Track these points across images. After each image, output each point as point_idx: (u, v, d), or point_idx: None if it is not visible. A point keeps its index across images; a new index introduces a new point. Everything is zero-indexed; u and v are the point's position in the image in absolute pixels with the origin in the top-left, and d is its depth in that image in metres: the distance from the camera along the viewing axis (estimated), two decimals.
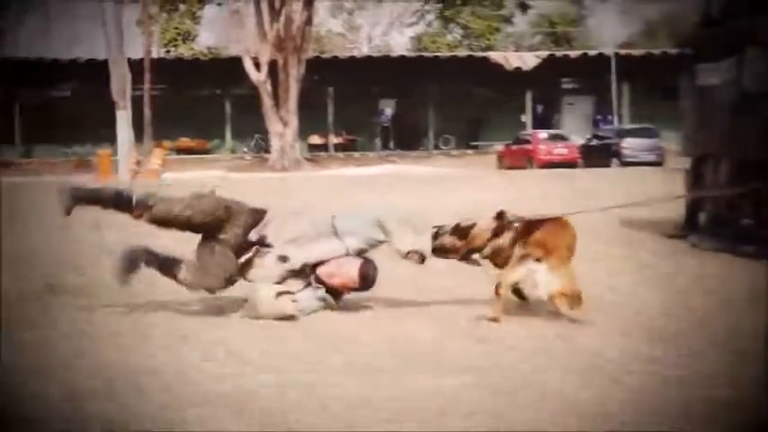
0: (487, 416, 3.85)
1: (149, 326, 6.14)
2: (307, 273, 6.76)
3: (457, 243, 7.06)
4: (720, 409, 3.90)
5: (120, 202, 6.94)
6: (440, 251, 7.06)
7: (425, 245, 6.87)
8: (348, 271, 6.76)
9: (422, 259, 6.89)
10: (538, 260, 6.55)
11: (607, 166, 41.83)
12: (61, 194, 6.96)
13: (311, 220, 7.04)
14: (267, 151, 48.20)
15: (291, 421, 3.80)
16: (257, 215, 6.91)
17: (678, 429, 3.64)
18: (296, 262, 6.70)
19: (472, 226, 7.09)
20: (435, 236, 7.05)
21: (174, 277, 6.74)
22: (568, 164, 43.78)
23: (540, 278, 6.50)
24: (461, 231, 7.08)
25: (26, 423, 3.88)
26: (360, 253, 6.86)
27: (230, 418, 3.91)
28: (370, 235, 6.86)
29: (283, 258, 6.69)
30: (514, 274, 6.68)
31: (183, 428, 3.75)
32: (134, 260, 6.65)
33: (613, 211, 10.19)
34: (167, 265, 6.76)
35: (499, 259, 6.99)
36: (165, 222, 6.83)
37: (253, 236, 6.76)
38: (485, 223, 7.08)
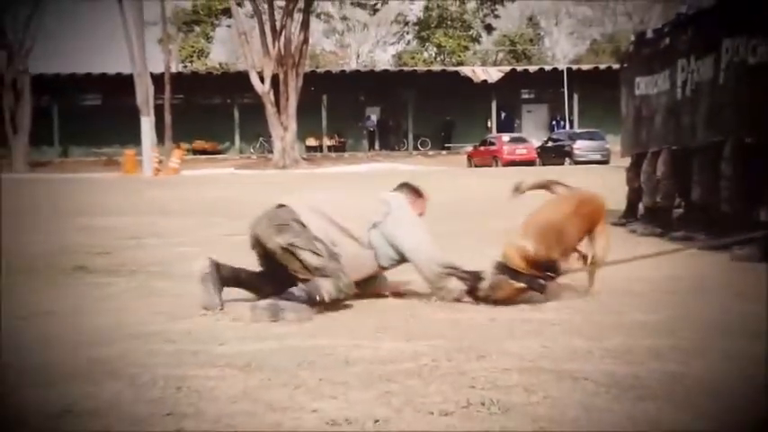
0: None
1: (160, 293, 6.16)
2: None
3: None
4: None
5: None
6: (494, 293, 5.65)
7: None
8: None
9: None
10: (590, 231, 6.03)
11: (561, 164, 42.07)
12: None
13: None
14: (270, 151, 48.24)
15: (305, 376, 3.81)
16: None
17: None
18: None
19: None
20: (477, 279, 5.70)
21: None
22: (528, 162, 44.05)
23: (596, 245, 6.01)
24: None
25: (55, 365, 3.90)
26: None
27: (233, 377, 3.91)
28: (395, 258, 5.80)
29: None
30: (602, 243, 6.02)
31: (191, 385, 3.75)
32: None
33: None
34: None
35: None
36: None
37: None
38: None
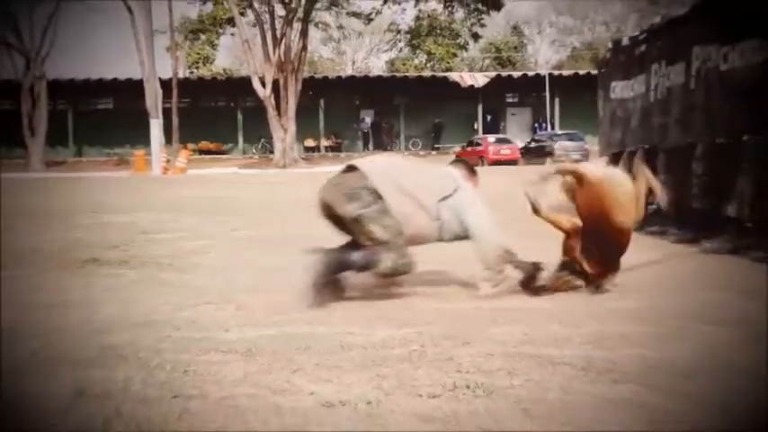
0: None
1: (164, 284, 6.16)
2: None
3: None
4: None
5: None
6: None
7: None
8: None
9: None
10: None
11: (543, 163, 41.95)
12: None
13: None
14: (271, 152, 48.11)
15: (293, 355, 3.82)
16: None
17: None
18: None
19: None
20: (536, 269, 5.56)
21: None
22: (512, 162, 44.06)
23: None
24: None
25: (69, 351, 3.90)
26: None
27: (236, 361, 3.92)
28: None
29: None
30: None
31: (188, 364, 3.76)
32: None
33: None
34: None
35: None
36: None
37: None
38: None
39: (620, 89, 12.13)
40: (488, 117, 58.47)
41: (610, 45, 13.57)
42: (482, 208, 5.58)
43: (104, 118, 54.07)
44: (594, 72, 15.18)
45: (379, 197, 5.36)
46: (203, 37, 67.96)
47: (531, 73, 59.46)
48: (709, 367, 3.74)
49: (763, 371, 3.66)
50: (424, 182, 5.58)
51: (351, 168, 5.60)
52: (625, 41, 12.64)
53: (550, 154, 43.50)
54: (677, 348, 4.08)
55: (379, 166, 5.61)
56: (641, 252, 7.03)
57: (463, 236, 5.55)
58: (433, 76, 59.08)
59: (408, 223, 5.40)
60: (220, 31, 66.45)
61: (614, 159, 11.92)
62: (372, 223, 5.32)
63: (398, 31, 64.29)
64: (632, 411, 3.13)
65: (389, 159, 6.11)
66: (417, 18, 60.04)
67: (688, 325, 4.60)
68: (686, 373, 3.62)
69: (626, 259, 5.76)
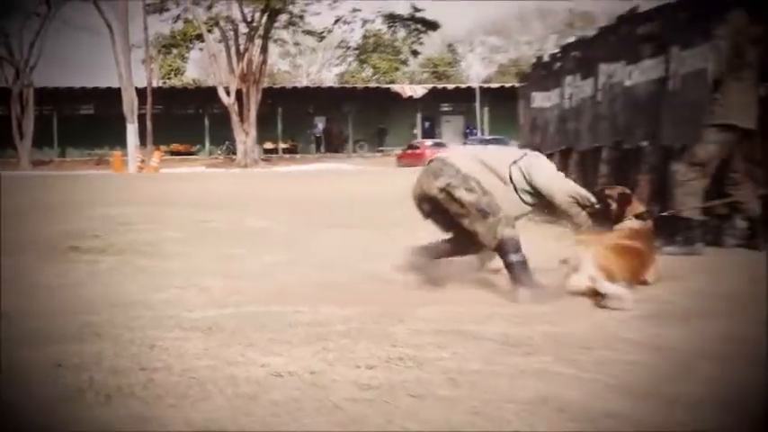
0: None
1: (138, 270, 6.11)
2: None
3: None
4: None
5: None
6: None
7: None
8: None
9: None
10: None
11: None
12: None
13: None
14: (234, 153, 47.84)
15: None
16: None
17: None
18: None
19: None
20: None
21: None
22: None
23: None
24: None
25: (51, 328, 3.86)
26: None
27: (198, 337, 3.91)
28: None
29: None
30: None
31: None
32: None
33: None
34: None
35: None
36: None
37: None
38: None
39: (539, 99, 12.24)
40: (426, 124, 58.68)
41: (533, 61, 13.69)
42: (549, 165, 5.44)
43: (86, 122, 53.38)
44: (518, 85, 15.27)
45: (460, 170, 5.18)
46: (175, 51, 67.34)
47: (463, 85, 59.75)
48: (601, 340, 3.80)
49: (661, 344, 3.72)
50: (496, 152, 5.49)
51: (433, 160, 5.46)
52: (545, 58, 12.78)
53: None
54: (579, 325, 4.15)
55: (457, 150, 5.57)
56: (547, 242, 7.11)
57: (534, 194, 5.23)
58: (377, 88, 59.10)
59: (491, 191, 5.16)
60: (190, 45, 65.84)
61: None
62: (458, 189, 5.09)
63: (348, 48, 64.04)
64: (543, 379, 3.17)
65: (467, 147, 5.83)
66: (364, 36, 59.88)
67: (589, 305, 4.66)
68: (586, 346, 3.67)
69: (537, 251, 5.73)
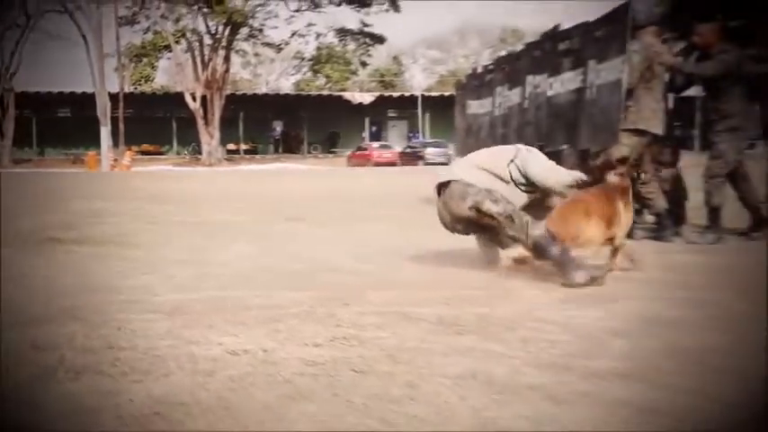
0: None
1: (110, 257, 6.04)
2: None
3: None
4: None
5: None
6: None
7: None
8: None
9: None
10: None
11: (416, 165, 42.33)
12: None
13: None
14: (200, 153, 47.40)
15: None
16: None
17: None
18: None
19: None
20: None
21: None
22: (392, 164, 44.28)
23: None
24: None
25: (29, 312, 3.80)
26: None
27: (162, 319, 3.87)
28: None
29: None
30: None
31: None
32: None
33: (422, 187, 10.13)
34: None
35: None
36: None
37: None
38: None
39: (474, 107, 12.32)
40: (373, 128, 58.74)
41: (469, 72, 13.76)
42: (542, 157, 5.34)
43: (63, 124, 52.47)
44: (455, 93, 15.35)
45: (480, 185, 5.11)
46: (145, 60, 66.37)
47: (407, 93, 59.98)
48: (525, 320, 3.83)
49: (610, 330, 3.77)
50: (491, 155, 5.36)
51: (449, 182, 5.29)
52: (479, 70, 12.86)
53: (422, 158, 43.97)
54: (505, 306, 4.18)
55: (461, 163, 5.51)
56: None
57: (530, 185, 5.19)
58: (330, 95, 59.02)
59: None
60: (159, 55, 64.92)
61: None
62: (485, 202, 5.03)
63: (303, 59, 63.86)
64: (472, 356, 3.20)
65: (470, 154, 5.69)
66: (318, 48, 59.65)
67: (513, 287, 4.71)
68: (509, 326, 3.71)
69: (469, 240, 5.73)
